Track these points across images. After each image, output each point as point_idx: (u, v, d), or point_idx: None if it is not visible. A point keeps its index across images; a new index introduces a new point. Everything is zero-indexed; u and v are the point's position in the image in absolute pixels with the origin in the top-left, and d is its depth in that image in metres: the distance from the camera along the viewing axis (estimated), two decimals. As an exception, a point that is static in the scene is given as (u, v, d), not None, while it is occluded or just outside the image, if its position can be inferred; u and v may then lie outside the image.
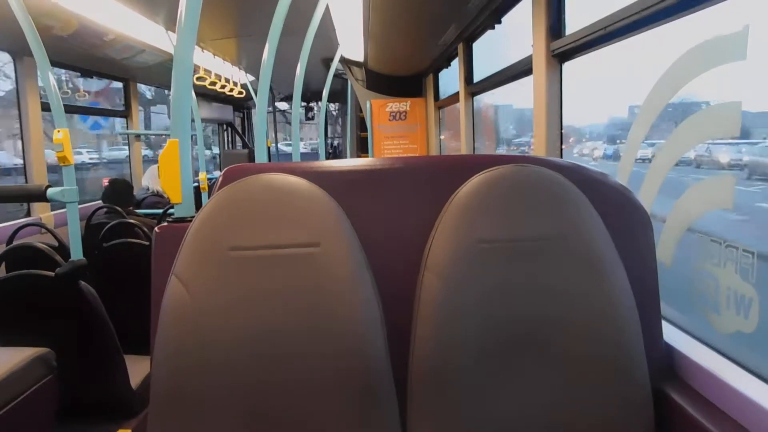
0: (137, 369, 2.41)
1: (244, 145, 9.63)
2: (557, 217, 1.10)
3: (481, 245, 1.08)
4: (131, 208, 3.75)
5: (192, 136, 5.88)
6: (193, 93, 4.89)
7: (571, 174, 1.16)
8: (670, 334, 1.23)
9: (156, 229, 1.21)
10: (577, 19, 1.88)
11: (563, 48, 1.91)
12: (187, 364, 1.01)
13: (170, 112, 1.48)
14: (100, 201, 3.79)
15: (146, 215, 3.82)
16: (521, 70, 2.46)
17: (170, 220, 1.36)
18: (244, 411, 1.01)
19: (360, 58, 4.82)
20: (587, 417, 1.05)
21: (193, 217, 1.18)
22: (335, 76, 5.95)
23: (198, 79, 5.25)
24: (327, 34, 4.18)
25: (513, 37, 2.82)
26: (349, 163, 1.26)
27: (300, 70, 3.53)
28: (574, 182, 1.13)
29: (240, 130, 9.77)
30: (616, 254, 1.10)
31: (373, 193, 1.21)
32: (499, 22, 2.94)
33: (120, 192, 3.68)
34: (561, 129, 2.03)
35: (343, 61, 5.33)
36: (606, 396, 1.05)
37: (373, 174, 1.23)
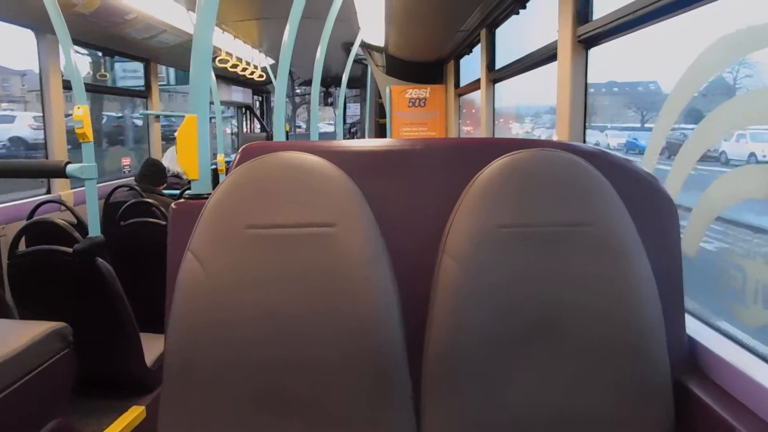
0: (153, 347, 2.43)
1: (263, 129, 9.66)
2: (580, 204, 1.07)
3: (501, 230, 1.05)
4: (161, 188, 3.91)
5: (210, 119, 5.90)
6: (213, 75, 4.89)
7: (595, 159, 1.13)
8: (692, 325, 1.20)
9: (173, 205, 1.21)
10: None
11: (590, 33, 1.86)
12: (201, 339, 1.01)
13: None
14: (119, 180, 3.85)
15: (167, 196, 3.87)
16: (545, 56, 2.42)
17: (187, 196, 1.35)
18: (256, 388, 1.01)
19: (381, 43, 4.78)
20: (605, 405, 1.03)
21: (209, 194, 1.17)
22: (355, 61, 5.91)
23: (220, 61, 5.25)
24: (348, 18, 4.14)
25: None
26: (368, 143, 1.24)
27: (320, 54, 3.51)
28: (598, 168, 1.10)
29: (258, 114, 9.78)
30: (639, 243, 1.07)
31: (391, 175, 1.19)
32: (524, 7, 2.89)
33: (153, 171, 3.86)
34: (585, 116, 1.99)
35: (364, 45, 5.29)
36: (624, 385, 1.03)
37: (392, 155, 1.21)
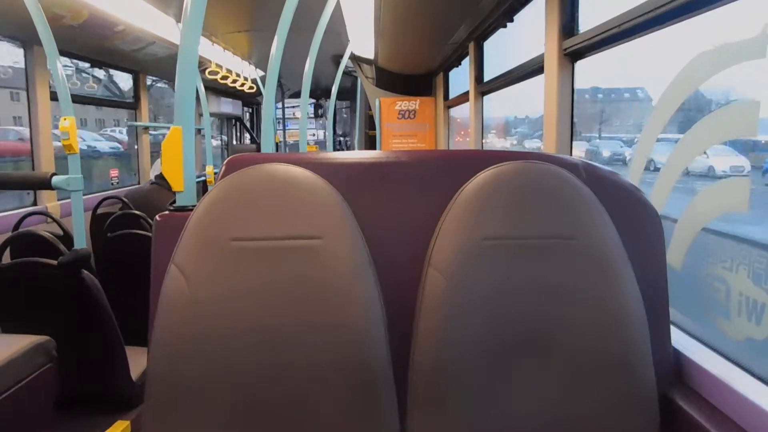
0: (139, 361, 2.40)
1: (253, 140, 9.65)
2: (565, 216, 1.07)
3: (486, 242, 1.05)
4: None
5: (200, 130, 5.91)
6: (202, 87, 4.89)
7: (580, 172, 1.13)
8: (678, 338, 1.20)
9: (157, 217, 1.20)
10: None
11: (576, 46, 1.88)
12: (184, 352, 1.00)
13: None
14: (107, 192, 3.84)
15: None
16: (532, 69, 2.44)
17: (172, 208, 1.34)
18: (240, 401, 1.00)
19: (370, 55, 4.80)
20: (590, 419, 1.03)
21: (194, 206, 1.16)
22: (345, 73, 5.94)
23: (210, 73, 5.25)
24: (337, 31, 4.16)
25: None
26: (355, 155, 1.24)
27: (309, 66, 3.52)
28: (583, 180, 1.11)
29: (249, 126, 9.78)
30: (625, 255, 1.07)
31: (378, 187, 1.19)
32: (511, 20, 2.92)
33: None
34: (572, 128, 2.00)
35: (353, 58, 5.31)
36: (610, 398, 1.03)
37: (378, 167, 1.21)
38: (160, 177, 4.06)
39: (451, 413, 1.02)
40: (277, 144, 6.68)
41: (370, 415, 1.01)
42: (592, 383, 1.03)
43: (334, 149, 8.77)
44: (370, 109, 6.11)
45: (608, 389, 1.03)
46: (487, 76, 3.59)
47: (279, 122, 9.66)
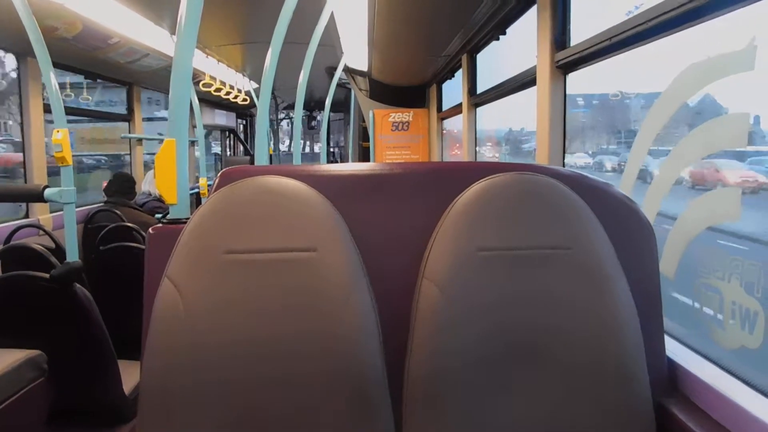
0: (131, 374, 2.38)
1: (246, 152, 9.67)
2: (559, 227, 1.08)
3: (480, 253, 1.06)
4: (133, 202, 3.88)
5: (193, 142, 5.91)
6: (196, 99, 4.90)
7: (573, 183, 1.14)
8: (672, 348, 1.21)
9: (150, 230, 1.19)
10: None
11: (568, 59, 1.89)
12: (177, 365, 0.99)
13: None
14: (100, 204, 3.82)
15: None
16: (524, 81, 2.46)
17: (165, 221, 1.34)
18: (234, 413, 0.99)
19: (364, 67, 4.83)
20: (587, 429, 1.03)
21: (188, 218, 1.16)
22: (339, 85, 5.96)
23: (204, 85, 5.25)
24: (331, 43, 4.18)
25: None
26: (348, 167, 1.24)
27: (303, 78, 3.53)
28: (576, 191, 1.11)
29: (243, 138, 9.80)
30: (618, 265, 1.08)
31: (372, 199, 1.19)
32: (504, 33, 2.94)
33: (122, 185, 3.81)
34: (564, 140, 2.02)
35: (347, 70, 5.33)
36: (606, 409, 1.03)
37: (372, 179, 1.21)
38: (113, 192, 3.80)
39: (445, 424, 1.02)
40: (270, 155, 6.70)
41: (365, 425, 1.00)
42: (586, 393, 1.03)
43: (328, 161, 8.79)
44: (364, 121, 6.13)
45: (603, 399, 1.03)
46: (480, 88, 3.62)
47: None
